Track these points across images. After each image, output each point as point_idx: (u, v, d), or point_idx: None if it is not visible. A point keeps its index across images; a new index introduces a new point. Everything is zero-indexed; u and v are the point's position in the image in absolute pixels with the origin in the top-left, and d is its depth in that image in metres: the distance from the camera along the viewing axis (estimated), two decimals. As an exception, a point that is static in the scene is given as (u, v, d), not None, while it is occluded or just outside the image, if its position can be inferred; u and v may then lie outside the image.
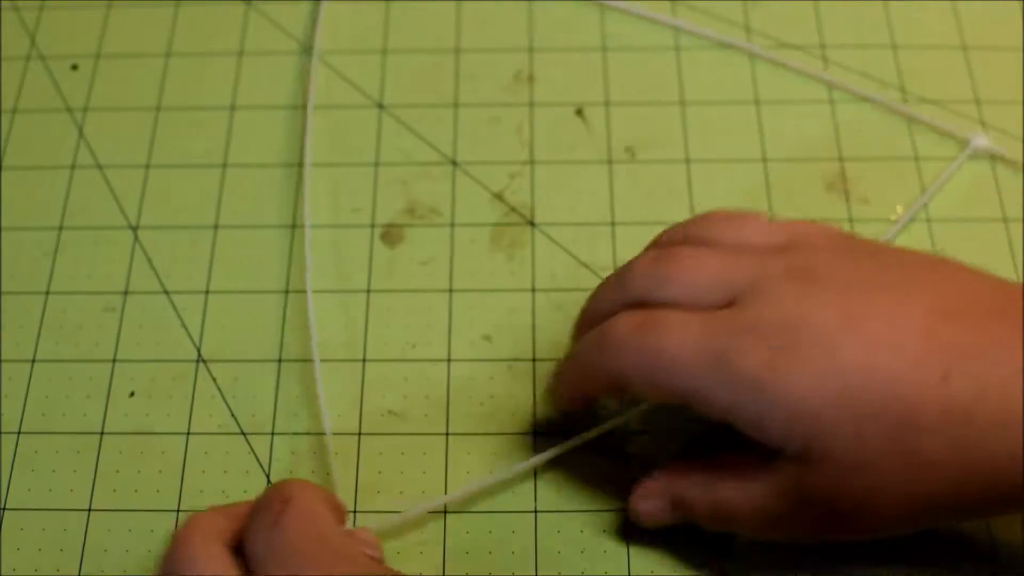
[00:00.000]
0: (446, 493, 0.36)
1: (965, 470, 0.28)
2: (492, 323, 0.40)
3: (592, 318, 0.34)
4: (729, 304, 0.31)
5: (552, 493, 0.36)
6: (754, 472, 0.31)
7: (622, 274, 0.33)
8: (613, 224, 0.41)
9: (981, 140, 0.40)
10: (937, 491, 0.28)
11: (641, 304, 0.32)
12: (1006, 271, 0.40)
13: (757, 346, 0.29)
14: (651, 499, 0.33)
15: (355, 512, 0.36)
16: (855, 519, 0.30)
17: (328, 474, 0.36)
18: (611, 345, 0.31)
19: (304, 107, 0.44)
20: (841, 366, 0.28)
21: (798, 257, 0.31)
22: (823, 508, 0.29)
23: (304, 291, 0.40)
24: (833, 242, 0.32)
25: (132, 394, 0.38)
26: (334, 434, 0.37)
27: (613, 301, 0.33)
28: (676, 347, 0.30)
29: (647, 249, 0.35)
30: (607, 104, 0.44)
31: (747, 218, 0.33)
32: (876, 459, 0.28)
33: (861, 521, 0.30)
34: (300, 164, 0.43)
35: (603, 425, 0.36)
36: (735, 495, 0.31)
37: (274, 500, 0.30)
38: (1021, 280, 0.40)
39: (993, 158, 0.42)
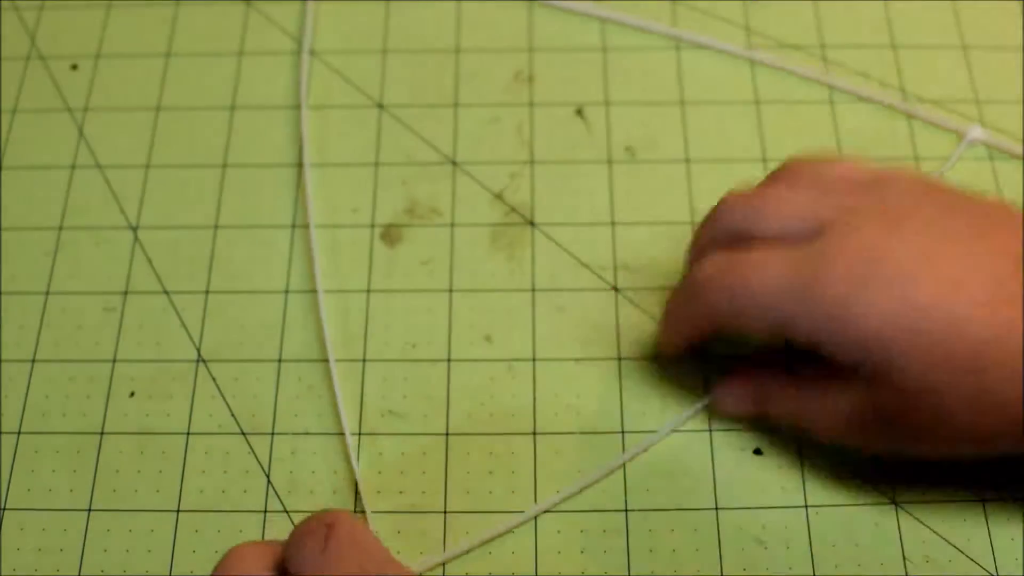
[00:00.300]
0: (446, 491, 0.36)
1: None
2: (492, 323, 0.40)
3: (692, 257, 0.36)
4: (814, 237, 0.32)
5: (551, 495, 0.36)
6: (833, 386, 0.33)
7: (716, 209, 0.35)
8: (613, 224, 0.41)
9: (978, 131, 0.40)
10: (1003, 422, 0.30)
11: (735, 238, 0.34)
12: (1006, 271, 0.40)
13: (839, 277, 0.31)
14: (736, 392, 0.36)
15: (355, 512, 0.36)
16: (924, 439, 0.32)
17: (350, 473, 0.36)
18: (698, 290, 0.34)
19: (305, 107, 0.44)
20: (915, 301, 0.30)
21: (883, 197, 0.33)
22: (894, 425, 0.32)
23: (303, 291, 0.40)
24: (916, 186, 0.34)
25: (132, 394, 0.38)
26: (334, 434, 0.37)
27: (708, 236, 0.35)
28: (761, 282, 0.32)
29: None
30: (607, 104, 0.44)
31: (836, 160, 0.36)
32: (943, 388, 0.30)
33: (930, 442, 0.32)
34: (300, 164, 0.43)
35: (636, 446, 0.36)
36: (814, 404, 0.34)
37: (319, 525, 0.30)
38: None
39: (991, 153, 0.42)
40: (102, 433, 0.38)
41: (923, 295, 0.30)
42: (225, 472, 0.37)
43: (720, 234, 0.35)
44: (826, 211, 0.33)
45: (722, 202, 0.35)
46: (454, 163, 0.43)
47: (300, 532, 0.30)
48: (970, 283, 0.30)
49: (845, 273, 0.31)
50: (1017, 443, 0.31)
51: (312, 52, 0.46)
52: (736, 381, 0.37)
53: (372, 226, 0.42)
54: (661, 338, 0.38)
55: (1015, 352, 0.30)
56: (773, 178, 0.36)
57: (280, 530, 0.36)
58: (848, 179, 0.34)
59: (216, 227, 0.42)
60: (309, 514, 0.35)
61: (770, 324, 0.32)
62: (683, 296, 0.35)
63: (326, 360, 0.39)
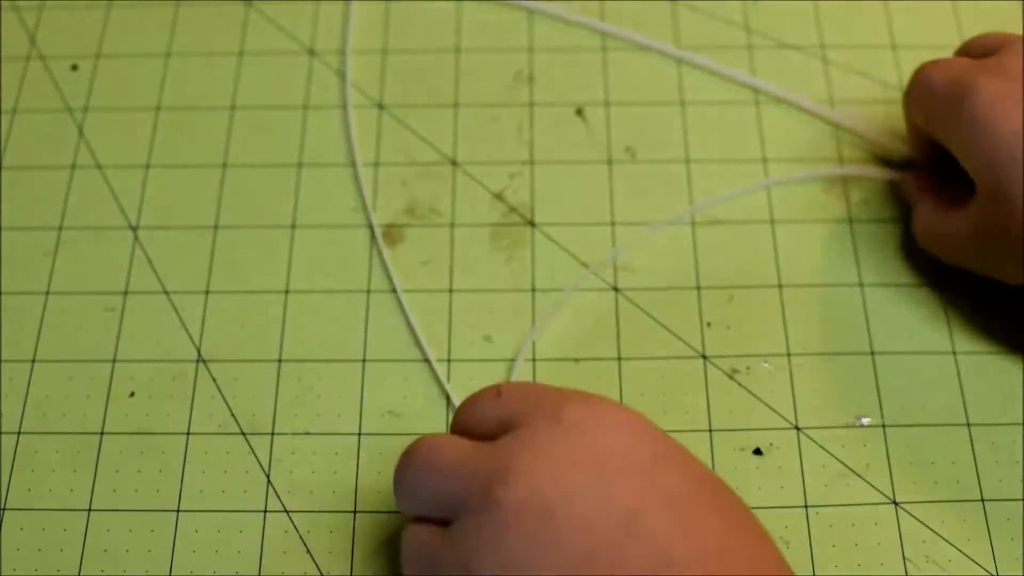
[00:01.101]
0: (446, 493, 0.36)
1: None
2: (492, 323, 0.40)
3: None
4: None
5: (552, 493, 0.36)
6: (956, 198, 0.37)
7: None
8: (613, 224, 0.41)
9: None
10: None
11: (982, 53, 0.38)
12: (1006, 271, 0.40)
13: (990, 85, 0.35)
14: (910, 185, 0.41)
15: (355, 512, 0.36)
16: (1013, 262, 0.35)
17: (350, 473, 0.37)
18: (909, 81, 0.39)
19: (304, 107, 0.44)
20: None
21: None
22: (999, 240, 0.35)
23: (304, 291, 0.40)
24: None
25: (132, 394, 0.38)
26: (334, 434, 0.38)
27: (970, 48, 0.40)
28: (938, 76, 0.37)
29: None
30: (607, 104, 0.44)
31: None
32: None
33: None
34: (300, 164, 0.43)
35: None
36: (935, 213, 0.38)
37: (486, 389, 0.32)
38: None
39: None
40: (102, 433, 0.38)
41: None
42: (225, 472, 0.37)
43: (975, 49, 0.39)
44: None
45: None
46: (454, 163, 0.43)
47: (470, 400, 0.32)
48: None
49: (996, 84, 0.35)
50: None
51: (312, 52, 0.46)
52: (914, 178, 0.41)
53: (372, 226, 0.42)
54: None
55: None
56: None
57: (280, 530, 0.36)
58: None
59: (216, 227, 0.42)
60: (309, 514, 0.35)
61: (929, 117, 0.37)
62: (919, 71, 0.39)
63: (325, 360, 0.39)
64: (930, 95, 0.37)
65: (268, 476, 0.37)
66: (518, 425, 0.29)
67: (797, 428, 0.37)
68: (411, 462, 0.31)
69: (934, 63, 0.38)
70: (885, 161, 0.43)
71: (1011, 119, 0.34)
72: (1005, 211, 0.34)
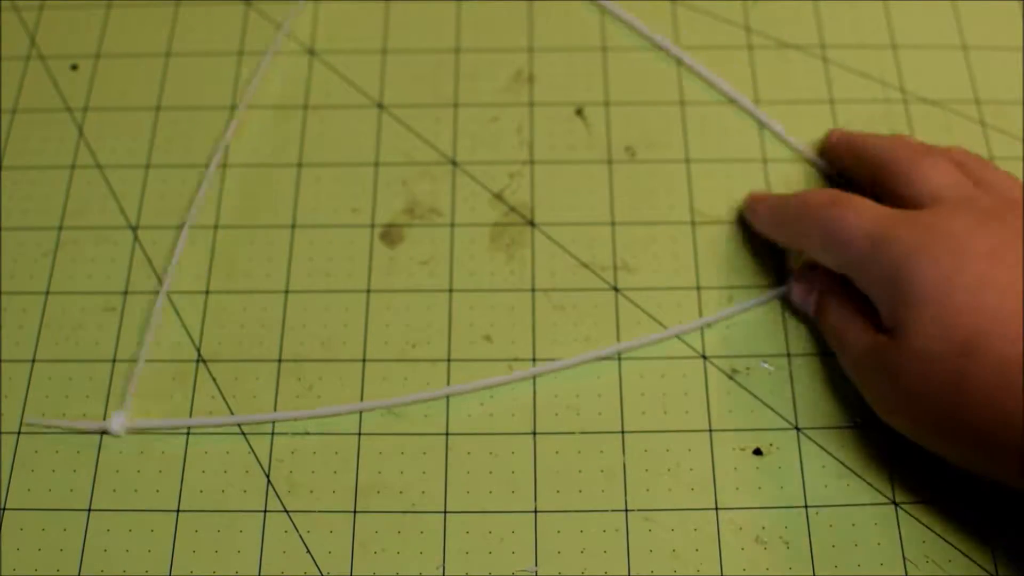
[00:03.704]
0: (446, 491, 0.36)
1: (994, 403, 0.32)
2: (492, 323, 0.40)
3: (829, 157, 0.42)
4: (926, 207, 0.35)
5: (552, 493, 0.36)
6: (871, 324, 0.35)
7: (883, 139, 0.39)
8: (613, 224, 0.41)
9: None
10: (985, 419, 0.32)
11: (881, 175, 0.38)
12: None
13: (911, 238, 0.34)
14: (805, 286, 0.39)
15: (355, 512, 0.36)
16: (910, 408, 0.34)
17: (350, 473, 0.36)
18: (806, 209, 0.37)
19: (304, 107, 0.44)
20: (961, 280, 0.33)
21: (994, 200, 0.35)
22: (890, 378, 0.34)
23: (304, 291, 0.40)
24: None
25: (132, 394, 0.38)
26: (334, 434, 0.38)
27: (855, 162, 0.40)
28: (853, 224, 0.35)
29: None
30: (607, 104, 0.44)
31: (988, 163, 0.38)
32: (936, 359, 0.32)
33: (913, 415, 0.34)
34: (300, 164, 0.43)
35: None
36: (853, 332, 0.36)
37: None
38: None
39: (992, 158, 0.42)
40: (102, 433, 0.38)
41: (963, 278, 0.33)
42: (225, 472, 0.37)
43: (864, 163, 0.39)
44: (946, 191, 0.36)
45: (893, 137, 0.39)
46: (454, 163, 0.43)
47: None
48: (1006, 290, 0.32)
49: (916, 238, 0.34)
50: (993, 454, 0.32)
51: (312, 52, 0.46)
52: (806, 282, 0.39)
53: (372, 226, 0.42)
54: (750, 213, 0.40)
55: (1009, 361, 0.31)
56: (941, 150, 0.38)
57: (280, 530, 0.36)
58: (984, 176, 0.36)
59: (216, 227, 0.42)
60: (309, 514, 0.35)
61: (845, 263, 0.36)
62: (794, 205, 0.38)
63: (325, 360, 0.39)
64: (846, 241, 0.35)
65: (268, 476, 0.37)
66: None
67: (797, 428, 0.37)
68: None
69: (845, 202, 0.36)
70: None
71: (925, 271, 0.33)
72: (901, 347, 0.34)
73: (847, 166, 0.41)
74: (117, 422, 0.37)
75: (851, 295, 0.37)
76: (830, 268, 0.37)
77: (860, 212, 0.36)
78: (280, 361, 0.39)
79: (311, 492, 0.37)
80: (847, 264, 0.36)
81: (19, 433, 0.38)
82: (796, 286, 0.39)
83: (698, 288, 0.40)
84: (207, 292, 0.40)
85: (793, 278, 0.40)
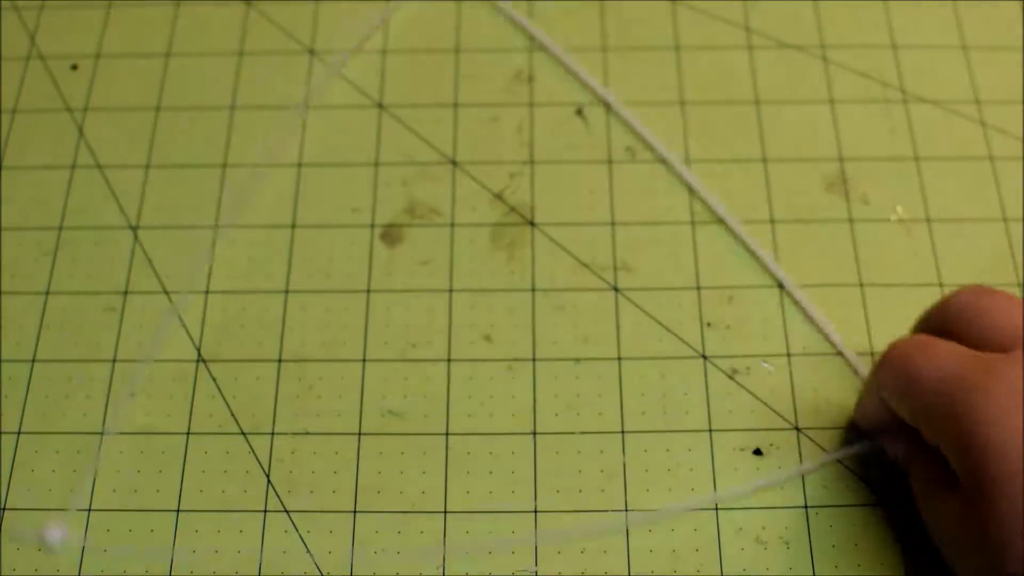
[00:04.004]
0: (446, 491, 0.36)
1: None
2: (492, 323, 0.40)
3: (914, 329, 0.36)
4: (1005, 351, 0.32)
5: (551, 495, 0.36)
6: (948, 489, 0.32)
7: (947, 298, 0.35)
8: (613, 224, 0.41)
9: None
10: None
11: (953, 327, 0.34)
12: (1006, 271, 0.40)
13: (993, 388, 0.30)
14: (895, 444, 0.35)
15: (355, 512, 0.36)
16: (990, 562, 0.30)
17: (350, 473, 0.37)
18: (882, 359, 0.34)
19: (304, 107, 0.44)
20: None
21: None
22: (973, 538, 0.30)
23: (304, 291, 0.40)
24: None
25: (132, 394, 0.38)
26: (334, 434, 0.38)
27: (928, 317, 0.35)
28: (924, 368, 0.32)
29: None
30: (607, 104, 0.44)
31: None
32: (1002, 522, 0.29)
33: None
34: (299, 164, 0.43)
35: None
36: (937, 494, 0.32)
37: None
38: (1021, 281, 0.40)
39: (992, 158, 0.42)
40: (102, 433, 0.38)
41: None
42: (225, 472, 0.37)
43: (937, 326, 0.34)
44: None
45: (964, 290, 0.35)
46: (454, 163, 0.43)
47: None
48: None
49: (998, 391, 0.30)
50: None
51: (313, 53, 0.46)
52: (899, 436, 0.35)
53: (372, 226, 0.42)
54: (856, 407, 0.37)
55: None
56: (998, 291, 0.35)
57: (280, 530, 0.36)
58: None
59: (216, 227, 0.42)
60: (309, 514, 0.35)
61: (919, 413, 0.32)
62: (874, 365, 0.35)
63: (325, 360, 0.39)
64: (919, 389, 0.32)
65: (268, 476, 0.37)
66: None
67: (797, 428, 0.37)
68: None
69: (920, 347, 0.33)
70: (885, 160, 0.43)
71: (1007, 429, 0.30)
72: (985, 514, 0.30)
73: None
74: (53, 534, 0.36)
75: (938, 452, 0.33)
76: (905, 419, 0.33)
77: (935, 355, 0.32)
78: (280, 361, 0.39)
79: (311, 492, 0.37)
80: (917, 413, 0.32)
81: (19, 433, 0.38)
82: (886, 436, 0.36)
83: (698, 288, 0.40)
84: (207, 292, 0.40)
85: (884, 435, 0.36)
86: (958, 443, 0.30)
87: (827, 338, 0.39)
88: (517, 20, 0.46)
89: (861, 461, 0.37)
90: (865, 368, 0.38)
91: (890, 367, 0.33)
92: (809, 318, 0.39)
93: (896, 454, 0.35)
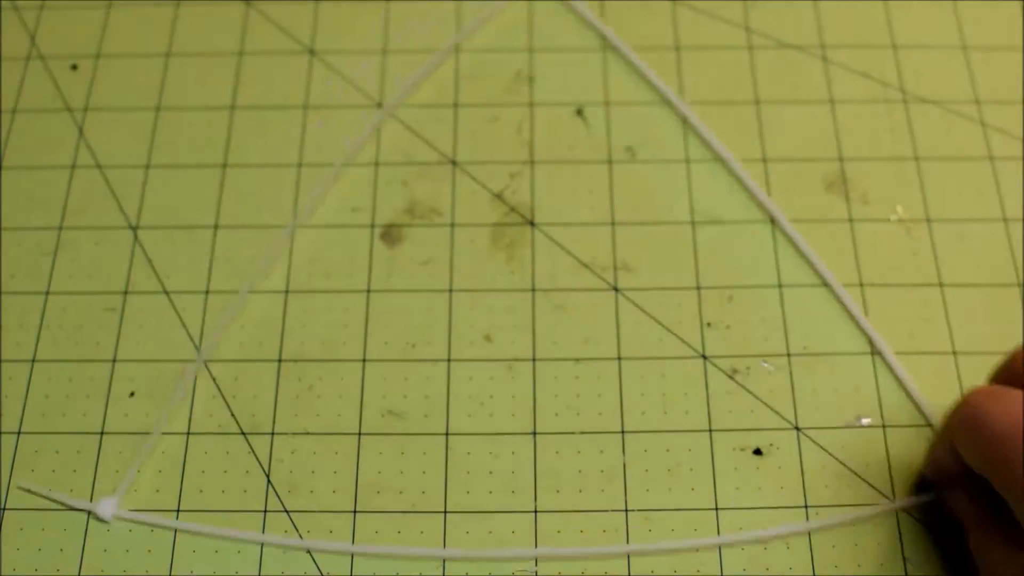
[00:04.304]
0: (446, 491, 0.36)
1: None
2: (492, 323, 0.40)
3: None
4: None
5: (551, 495, 0.36)
6: (1016, 539, 0.31)
7: (1020, 349, 0.34)
8: (613, 224, 0.41)
9: None
10: None
11: None
12: (1006, 271, 0.40)
13: None
14: (961, 497, 0.34)
15: (355, 512, 0.36)
16: None
17: (350, 473, 0.36)
18: (957, 407, 0.33)
19: (304, 107, 0.44)
20: None
21: None
22: None
23: (304, 291, 0.40)
24: None
25: (132, 394, 0.38)
26: (334, 434, 0.38)
27: (1003, 368, 0.34)
28: (1000, 420, 0.31)
29: None
30: (607, 104, 0.44)
31: None
32: None
33: None
34: (299, 164, 0.43)
35: None
36: (998, 550, 0.32)
37: None
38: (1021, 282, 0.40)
39: (992, 158, 0.42)
40: (102, 433, 0.38)
41: None
42: (225, 472, 0.37)
43: (1018, 370, 0.33)
44: None
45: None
46: (454, 163, 0.43)
47: None
48: None
49: None
50: None
51: (312, 52, 0.46)
52: (963, 489, 0.34)
53: (372, 226, 0.42)
54: (926, 456, 0.36)
55: None
56: None
57: (280, 530, 0.36)
58: None
59: (216, 227, 0.42)
60: (309, 514, 0.35)
61: (991, 462, 0.31)
62: (947, 413, 0.34)
63: (325, 360, 0.39)
64: (990, 436, 0.31)
65: (268, 476, 0.37)
66: None
67: (797, 428, 0.37)
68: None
69: (992, 396, 0.32)
70: (885, 160, 0.43)
71: None
72: None
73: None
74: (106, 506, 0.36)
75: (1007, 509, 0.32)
76: (975, 469, 0.32)
77: (1007, 403, 0.31)
78: (280, 361, 0.39)
79: (311, 492, 0.37)
80: (987, 463, 0.31)
81: (19, 433, 0.38)
82: (950, 488, 0.35)
83: (698, 288, 0.40)
84: (207, 292, 0.40)
85: (950, 492, 0.35)
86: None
87: (827, 338, 0.39)
88: (519, 21, 0.46)
89: (924, 509, 0.36)
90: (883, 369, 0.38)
91: (963, 415, 0.32)
92: (809, 318, 0.39)
93: (956, 507, 0.35)
